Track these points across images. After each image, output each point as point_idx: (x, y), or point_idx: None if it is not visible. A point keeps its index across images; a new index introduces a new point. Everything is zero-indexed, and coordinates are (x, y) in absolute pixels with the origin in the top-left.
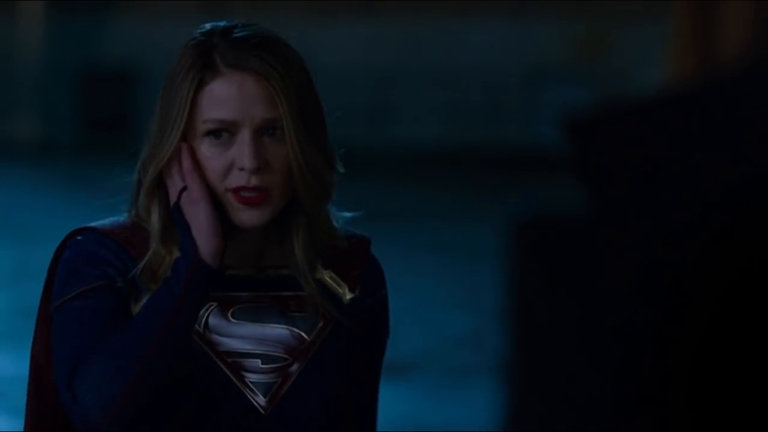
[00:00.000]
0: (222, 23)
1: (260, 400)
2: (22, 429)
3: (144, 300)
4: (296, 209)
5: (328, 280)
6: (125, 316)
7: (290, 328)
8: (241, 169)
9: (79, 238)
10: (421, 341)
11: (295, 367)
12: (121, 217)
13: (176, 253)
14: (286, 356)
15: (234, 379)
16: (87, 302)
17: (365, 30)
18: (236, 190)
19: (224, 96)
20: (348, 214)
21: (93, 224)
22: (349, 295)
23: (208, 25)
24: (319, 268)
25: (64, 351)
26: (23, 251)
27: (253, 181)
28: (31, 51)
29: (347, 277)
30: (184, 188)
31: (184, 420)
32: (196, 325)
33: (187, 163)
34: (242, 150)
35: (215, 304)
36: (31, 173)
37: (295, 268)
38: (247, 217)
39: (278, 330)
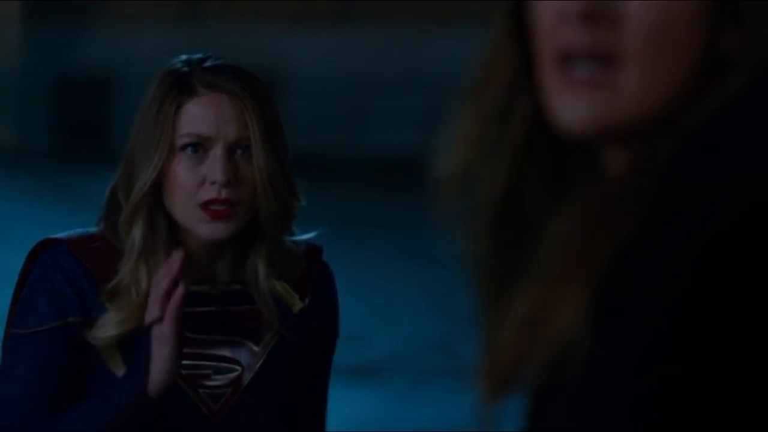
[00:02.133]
0: (196, 55)
1: (211, 409)
2: None
3: (100, 322)
4: (255, 231)
5: (280, 290)
6: (73, 358)
7: (241, 340)
8: (213, 183)
9: (45, 254)
10: (392, 345)
11: (245, 377)
12: (92, 230)
13: (150, 271)
14: (236, 367)
15: (187, 390)
16: (37, 346)
17: (340, 37)
18: (206, 204)
19: (201, 113)
20: (306, 236)
21: (62, 236)
22: (299, 305)
23: (182, 56)
24: (272, 279)
25: (5, 391)
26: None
27: (224, 194)
28: (7, 58)
29: (298, 286)
30: (160, 319)
31: (139, 430)
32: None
33: (174, 304)
34: (215, 164)
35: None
36: (7, 180)
37: (249, 282)
38: (213, 230)
39: (230, 342)
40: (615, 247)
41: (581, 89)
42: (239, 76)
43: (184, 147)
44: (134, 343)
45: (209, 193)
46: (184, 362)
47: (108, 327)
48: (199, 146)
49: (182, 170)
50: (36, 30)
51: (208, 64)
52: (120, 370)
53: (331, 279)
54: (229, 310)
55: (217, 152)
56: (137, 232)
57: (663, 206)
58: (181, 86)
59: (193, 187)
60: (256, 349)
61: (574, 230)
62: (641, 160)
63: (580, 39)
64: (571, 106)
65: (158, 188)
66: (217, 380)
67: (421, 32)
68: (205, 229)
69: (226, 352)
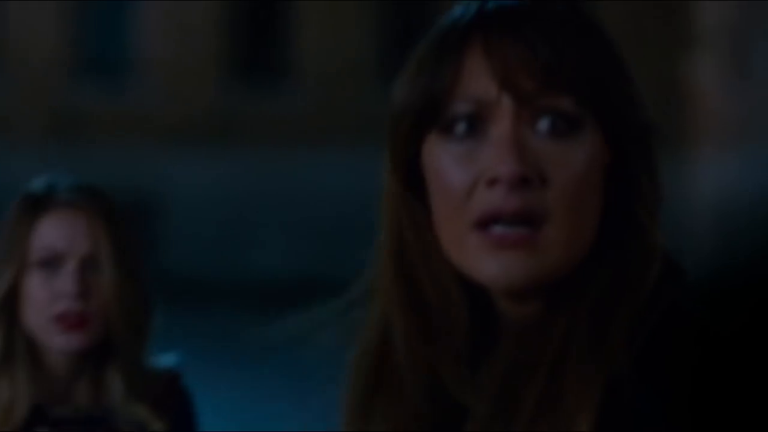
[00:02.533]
0: (55, 176)
1: None
2: None
3: None
4: (110, 349)
5: (139, 414)
6: None
7: None
8: (65, 296)
9: None
10: None
11: None
12: None
13: (9, 384)
14: None
15: None
16: None
17: (219, 158)
18: (60, 316)
19: (55, 230)
20: (168, 358)
21: None
22: (157, 428)
23: (39, 181)
24: (131, 403)
25: None
26: None
27: (76, 307)
28: None
29: (157, 410)
30: None
31: None
32: None
33: None
34: (67, 278)
35: None
36: None
37: (109, 406)
38: (67, 341)
39: None
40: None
41: (506, 248)
42: (92, 195)
43: (37, 262)
44: None
45: (62, 305)
46: None
47: None
48: (53, 262)
49: (36, 285)
50: None
51: (64, 183)
52: None
53: (190, 404)
54: None
55: (69, 267)
56: None
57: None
58: (36, 204)
59: (47, 301)
60: None
61: (503, 377)
62: (550, 312)
63: (510, 203)
64: (497, 265)
65: (13, 305)
66: None
67: (298, 153)
68: (59, 341)
69: None
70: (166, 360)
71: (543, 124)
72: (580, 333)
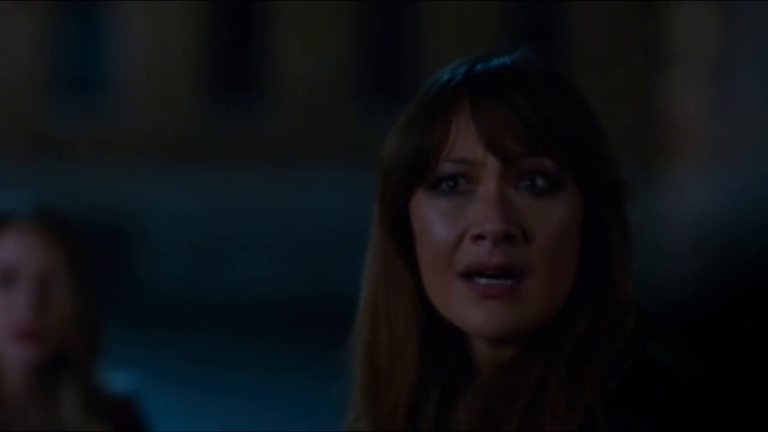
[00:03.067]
0: (9, 199)
1: None
2: None
3: None
4: (64, 366)
5: None
6: None
7: None
8: (20, 310)
9: None
10: None
11: None
12: None
13: None
14: None
15: None
16: None
17: (197, 180)
18: (15, 328)
19: (10, 244)
20: (119, 374)
21: None
22: None
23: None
24: (85, 423)
25: None
26: None
27: (30, 321)
28: None
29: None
30: None
31: None
32: None
33: None
34: (22, 292)
35: None
36: None
37: (61, 425)
38: (21, 352)
39: None
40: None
41: (490, 298)
42: (49, 215)
43: None
44: None
45: (16, 317)
46: None
47: None
48: (9, 277)
49: None
50: None
51: (22, 203)
52: None
53: (144, 428)
54: None
55: (24, 281)
56: None
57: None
58: None
59: (2, 316)
60: None
61: (472, 416)
62: (528, 356)
63: (494, 258)
64: (481, 313)
65: None
66: None
67: (276, 175)
68: (14, 353)
69: None
70: (121, 380)
71: (526, 184)
72: (556, 376)
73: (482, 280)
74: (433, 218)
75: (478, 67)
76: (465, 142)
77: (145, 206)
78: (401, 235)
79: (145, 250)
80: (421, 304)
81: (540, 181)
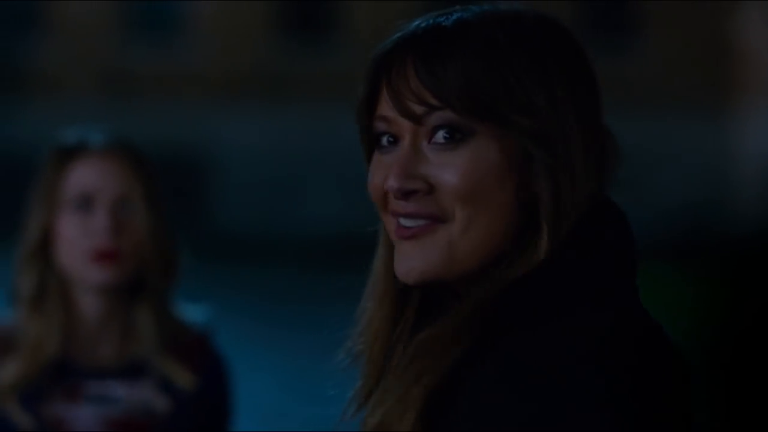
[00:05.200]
0: (83, 131)
1: None
2: None
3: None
4: (141, 296)
5: (170, 368)
6: None
7: (132, 412)
8: (99, 233)
9: None
10: (315, 422)
11: None
12: (7, 314)
13: (40, 322)
14: None
15: None
16: None
17: (270, 113)
18: (94, 252)
19: (87, 172)
20: (195, 308)
21: None
22: (188, 383)
23: (71, 132)
24: (162, 356)
25: None
26: None
27: (109, 242)
28: None
29: (187, 367)
30: None
31: None
32: (50, 411)
33: None
34: (100, 216)
35: (66, 391)
36: None
37: (138, 354)
38: (101, 275)
39: (120, 415)
40: (442, 374)
41: (406, 239)
42: (120, 141)
43: (71, 204)
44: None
45: (95, 241)
46: None
47: (4, 374)
48: (85, 202)
49: (71, 225)
50: None
51: (94, 132)
52: (20, 420)
53: (222, 361)
54: (118, 384)
55: (101, 206)
56: (28, 283)
57: (482, 345)
58: (68, 151)
59: (81, 239)
60: (145, 423)
61: (414, 356)
62: (467, 304)
63: (402, 208)
64: (405, 258)
65: (48, 248)
66: None
67: (346, 111)
68: (92, 275)
69: (117, 425)
70: (194, 312)
71: (436, 137)
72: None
73: (402, 221)
74: (372, 169)
75: (410, 29)
76: (386, 104)
77: (217, 142)
78: None
79: (217, 186)
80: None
81: (443, 133)
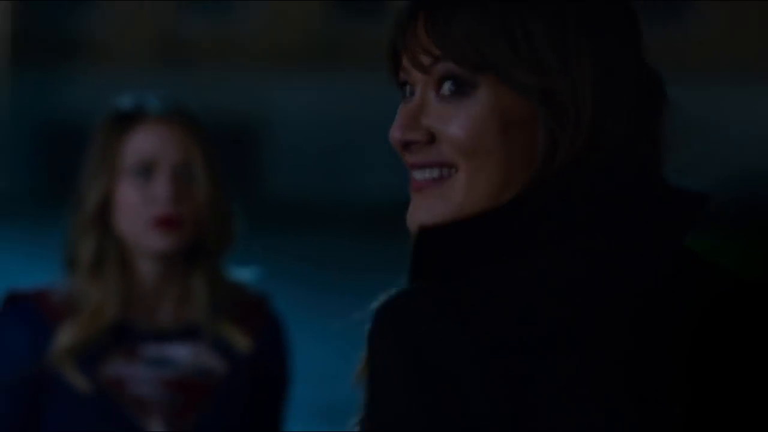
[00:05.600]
0: (139, 96)
1: None
2: None
3: (57, 338)
4: (198, 261)
5: (227, 331)
6: (30, 412)
7: (189, 375)
8: (160, 200)
9: (8, 309)
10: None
11: (193, 410)
12: (58, 282)
13: (99, 286)
14: (185, 400)
15: (140, 421)
16: None
17: (325, 80)
18: (154, 219)
19: (147, 139)
20: (247, 272)
21: (26, 289)
22: (245, 346)
23: (127, 98)
24: (219, 320)
25: None
26: None
27: (170, 209)
28: None
29: (245, 330)
30: None
31: None
32: (109, 373)
33: None
34: (161, 183)
35: (125, 354)
36: None
37: (195, 317)
38: (161, 242)
39: (178, 377)
40: None
41: (417, 192)
42: (179, 108)
43: (131, 170)
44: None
45: (156, 208)
46: (136, 395)
47: (65, 337)
48: (146, 169)
49: (131, 192)
50: (21, 75)
51: (150, 98)
52: (79, 382)
53: (279, 325)
54: (176, 348)
55: (162, 173)
56: (87, 249)
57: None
58: (125, 118)
59: (142, 206)
60: (202, 384)
61: None
62: None
63: (410, 158)
64: (412, 210)
65: (107, 215)
66: (168, 413)
67: None
68: (154, 242)
69: (174, 388)
70: (244, 274)
71: (444, 90)
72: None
73: (414, 173)
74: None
75: None
76: (404, 57)
77: (273, 109)
78: None
79: (272, 153)
80: None
81: (449, 86)
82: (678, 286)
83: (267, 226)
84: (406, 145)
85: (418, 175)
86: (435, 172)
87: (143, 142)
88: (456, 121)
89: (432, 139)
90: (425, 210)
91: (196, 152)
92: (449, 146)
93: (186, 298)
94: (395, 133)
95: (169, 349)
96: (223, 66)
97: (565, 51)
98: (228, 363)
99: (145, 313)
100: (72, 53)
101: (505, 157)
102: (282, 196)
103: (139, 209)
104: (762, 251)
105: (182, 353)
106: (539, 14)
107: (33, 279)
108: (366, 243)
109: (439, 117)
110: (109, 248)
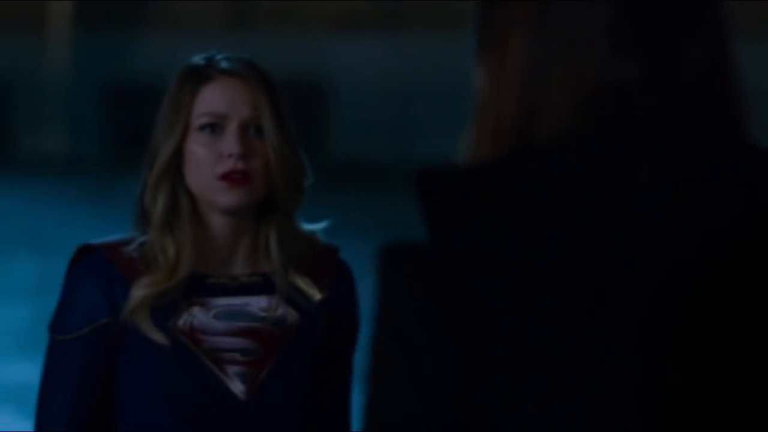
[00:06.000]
0: (211, 53)
1: (239, 388)
2: None
3: (133, 290)
4: (269, 215)
5: (299, 282)
6: (106, 361)
7: (262, 326)
8: (230, 156)
9: (81, 261)
10: None
11: (268, 359)
12: (129, 235)
13: (174, 238)
14: (260, 349)
15: (216, 371)
16: (72, 353)
17: (386, 43)
18: (224, 175)
19: (216, 95)
20: (318, 225)
21: (99, 242)
22: (318, 297)
23: (199, 55)
24: (291, 272)
25: (46, 394)
26: (49, 263)
27: (240, 165)
28: (58, 67)
29: (317, 281)
30: None
31: (173, 410)
32: (183, 325)
33: None
34: (231, 139)
35: (198, 306)
36: (58, 186)
37: (269, 269)
38: (232, 198)
39: (252, 328)
40: None
41: None
42: (249, 64)
43: (202, 127)
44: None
45: (226, 165)
46: (212, 347)
47: (140, 290)
48: (216, 125)
49: (201, 148)
50: (86, 37)
51: (221, 56)
52: (154, 334)
53: (350, 275)
54: (250, 300)
55: (232, 129)
56: (160, 203)
57: None
58: (197, 74)
59: (212, 162)
60: (277, 334)
61: None
62: None
63: None
64: None
65: (180, 170)
66: (244, 363)
67: (466, 40)
68: (224, 198)
69: (249, 337)
70: (314, 227)
71: None
72: None
73: None
74: None
75: None
76: None
77: (338, 71)
78: None
79: (338, 114)
80: None
81: None
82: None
83: (328, 186)
84: None
85: None
86: None
87: (213, 98)
88: None
89: None
90: None
91: (266, 108)
92: None
93: (258, 250)
94: None
95: (243, 301)
96: (289, 29)
97: None
98: (301, 313)
99: (219, 266)
100: (141, 18)
101: None
102: (345, 156)
103: (208, 165)
104: None
105: (256, 305)
106: None
107: (99, 239)
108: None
109: None
110: (182, 203)
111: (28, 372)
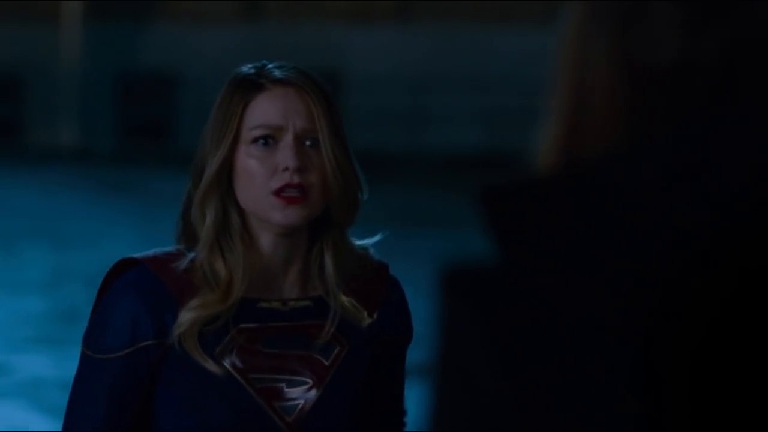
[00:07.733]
0: (260, 62)
1: (285, 421)
2: (59, 429)
3: (182, 313)
4: (323, 233)
5: (348, 305)
6: (145, 382)
7: (311, 354)
8: (285, 169)
9: (125, 275)
10: None
11: (315, 390)
12: (171, 248)
13: (224, 258)
14: (307, 380)
15: (262, 402)
16: (111, 372)
17: (400, 34)
18: (280, 190)
19: (270, 106)
20: (368, 241)
21: (141, 255)
22: (367, 320)
23: (248, 65)
24: (341, 294)
25: (79, 411)
26: (62, 256)
27: (296, 179)
28: (70, 56)
29: (366, 302)
30: None
31: None
32: (231, 352)
33: None
34: (286, 152)
35: (247, 333)
36: (70, 178)
37: (321, 291)
38: (287, 215)
39: (300, 356)
40: None
41: None
42: (303, 73)
43: (255, 139)
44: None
45: (282, 179)
46: (259, 376)
47: (189, 312)
48: (270, 137)
49: (254, 161)
50: (99, 28)
51: (272, 64)
52: (203, 361)
53: (401, 294)
54: (299, 326)
55: (287, 141)
56: (209, 220)
57: None
58: (248, 83)
59: (266, 176)
60: (325, 363)
61: None
62: None
63: None
64: None
65: (230, 185)
66: (290, 393)
67: (480, 30)
68: (279, 215)
69: (297, 366)
70: (366, 243)
71: None
72: None
73: None
74: None
75: None
76: None
77: (353, 62)
78: None
79: (353, 105)
80: None
81: None
82: None
83: None
84: None
85: None
86: None
87: (267, 109)
88: None
89: None
90: None
91: (323, 118)
92: None
93: (310, 270)
94: None
95: (293, 327)
96: (303, 20)
97: None
98: (349, 339)
99: (269, 288)
100: (161, 13)
101: None
102: (360, 146)
103: (262, 180)
104: None
105: (306, 332)
106: None
107: (116, 233)
108: (443, 197)
109: None
110: (232, 220)
111: (41, 365)
